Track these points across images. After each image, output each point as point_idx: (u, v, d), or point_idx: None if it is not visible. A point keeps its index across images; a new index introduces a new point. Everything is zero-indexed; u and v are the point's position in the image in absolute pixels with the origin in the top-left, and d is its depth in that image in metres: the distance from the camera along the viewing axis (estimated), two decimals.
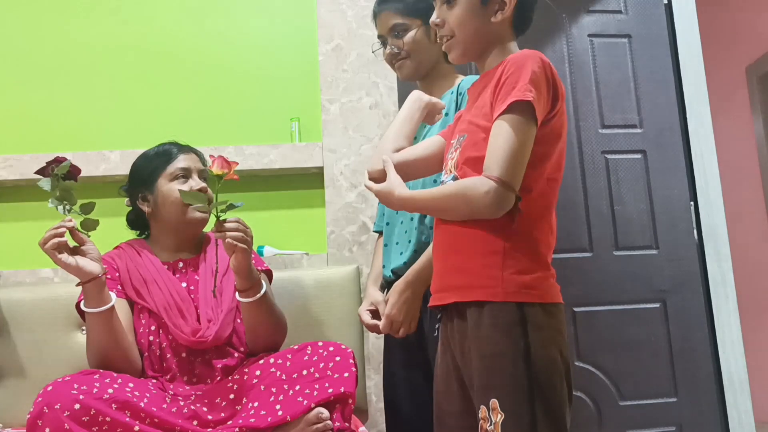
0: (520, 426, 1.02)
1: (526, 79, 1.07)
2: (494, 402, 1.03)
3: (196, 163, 1.68)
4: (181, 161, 1.65)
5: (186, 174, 1.64)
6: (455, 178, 1.15)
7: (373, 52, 1.68)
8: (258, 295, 1.52)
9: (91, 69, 2.14)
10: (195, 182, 1.64)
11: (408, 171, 1.28)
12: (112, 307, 1.45)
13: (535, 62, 1.10)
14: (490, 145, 1.08)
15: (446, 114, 1.53)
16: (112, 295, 1.47)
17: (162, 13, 2.20)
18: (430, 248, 1.42)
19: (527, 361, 1.03)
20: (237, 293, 1.53)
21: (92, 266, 1.41)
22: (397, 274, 1.56)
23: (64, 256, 1.38)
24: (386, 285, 1.65)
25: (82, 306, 1.45)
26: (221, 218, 1.42)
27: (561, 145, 1.14)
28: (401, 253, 1.56)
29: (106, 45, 2.16)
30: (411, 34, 1.58)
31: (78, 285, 1.43)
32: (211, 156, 1.40)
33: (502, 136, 1.06)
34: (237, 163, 1.40)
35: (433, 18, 1.26)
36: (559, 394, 1.05)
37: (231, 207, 1.39)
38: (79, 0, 2.17)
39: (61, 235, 1.37)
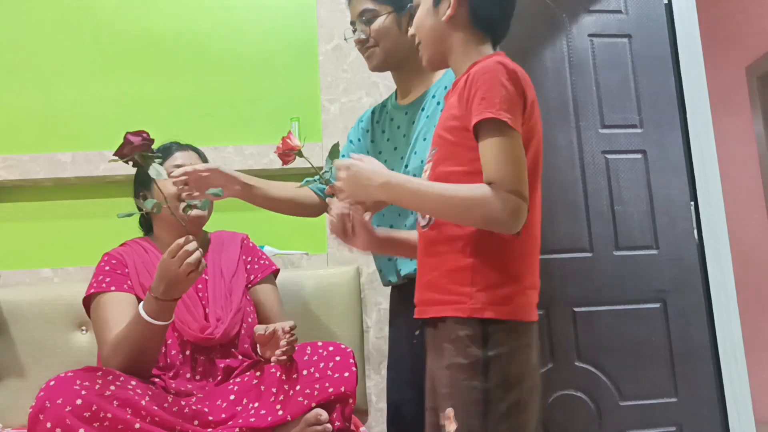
0: None
1: (498, 97, 1.05)
2: (450, 411, 1.05)
3: (194, 160, 1.68)
4: (177, 159, 1.65)
5: None
6: None
7: (345, 39, 1.63)
8: None
9: (91, 69, 2.14)
10: None
11: None
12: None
13: (502, 75, 1.07)
14: (488, 161, 1.06)
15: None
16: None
17: (162, 13, 2.20)
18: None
19: (485, 377, 1.04)
20: None
21: None
22: (410, 278, 1.53)
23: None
24: (391, 286, 1.65)
25: (144, 316, 1.39)
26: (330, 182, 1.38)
27: (533, 154, 1.11)
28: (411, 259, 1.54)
29: (107, 45, 2.16)
30: (379, 20, 1.53)
31: (161, 300, 1.37)
32: (283, 140, 1.38)
33: (497, 151, 1.05)
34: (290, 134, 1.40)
35: (410, 31, 1.27)
36: (513, 411, 1.05)
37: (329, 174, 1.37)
38: (78, 1, 2.18)
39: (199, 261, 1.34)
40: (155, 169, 1.30)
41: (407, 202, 1.14)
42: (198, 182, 1.46)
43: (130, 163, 1.30)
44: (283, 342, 1.41)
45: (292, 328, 1.44)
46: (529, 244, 1.11)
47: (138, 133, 1.27)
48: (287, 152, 1.38)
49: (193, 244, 1.33)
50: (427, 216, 1.15)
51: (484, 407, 1.03)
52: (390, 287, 1.69)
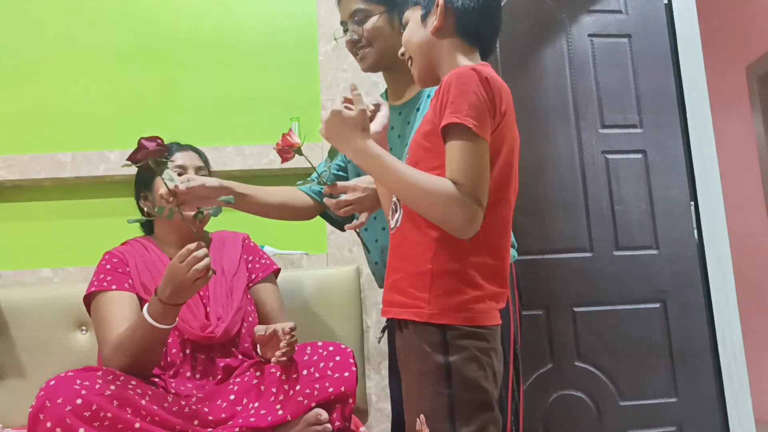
0: None
1: (466, 103, 1.05)
2: (423, 417, 1.07)
3: (194, 161, 1.67)
4: (177, 159, 1.65)
5: (182, 172, 1.64)
6: None
7: (335, 39, 1.61)
8: None
9: (91, 69, 2.14)
10: None
11: None
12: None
13: (473, 81, 1.07)
14: (452, 165, 1.06)
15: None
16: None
17: (162, 13, 2.20)
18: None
19: (448, 381, 1.05)
20: None
21: None
22: None
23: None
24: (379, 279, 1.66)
25: (148, 319, 1.38)
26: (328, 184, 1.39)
27: (502, 163, 1.10)
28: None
29: (107, 45, 2.16)
30: (372, 20, 1.51)
31: (166, 303, 1.36)
32: (283, 137, 1.38)
33: (460, 155, 1.05)
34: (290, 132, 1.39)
35: (400, 50, 1.26)
36: (479, 413, 1.06)
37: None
38: (79, 0, 2.18)
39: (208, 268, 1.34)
40: (168, 175, 1.31)
41: (377, 176, 1.15)
42: (186, 197, 1.40)
43: (143, 168, 1.32)
44: (283, 343, 1.41)
45: (292, 329, 1.44)
46: (491, 254, 1.10)
47: (152, 139, 1.28)
48: (286, 149, 1.38)
49: (203, 251, 1.33)
50: (395, 218, 1.16)
51: (451, 412, 1.05)
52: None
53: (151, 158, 1.29)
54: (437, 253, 1.08)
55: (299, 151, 1.38)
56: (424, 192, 1.07)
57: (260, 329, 1.52)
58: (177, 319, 1.42)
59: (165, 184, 1.34)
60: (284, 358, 1.41)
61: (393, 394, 1.66)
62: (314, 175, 1.41)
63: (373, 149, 1.12)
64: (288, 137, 1.37)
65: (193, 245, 1.33)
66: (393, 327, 1.17)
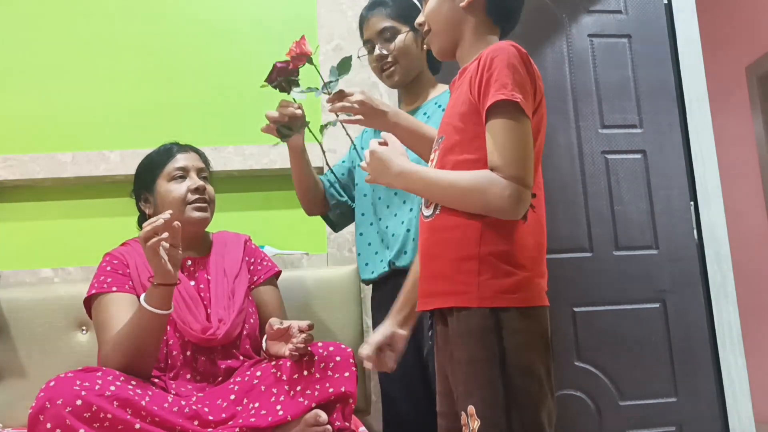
0: None
1: (510, 79, 1.05)
2: (471, 408, 1.03)
3: (196, 162, 1.68)
4: (179, 161, 1.65)
5: (184, 173, 1.64)
6: None
7: (359, 57, 1.65)
8: None
9: (91, 69, 2.14)
10: (192, 181, 1.64)
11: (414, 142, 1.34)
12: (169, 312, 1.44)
13: (514, 57, 1.07)
14: (493, 145, 1.05)
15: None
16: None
17: (162, 13, 2.19)
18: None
19: (502, 368, 1.02)
20: None
21: (176, 271, 1.40)
22: (400, 271, 1.54)
23: (162, 254, 1.35)
24: (370, 282, 1.69)
25: (143, 304, 1.39)
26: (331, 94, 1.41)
27: (539, 143, 1.11)
28: (405, 253, 1.56)
29: (107, 45, 2.16)
30: (401, 37, 1.58)
31: (156, 285, 1.39)
32: (296, 43, 1.40)
33: (503, 135, 1.04)
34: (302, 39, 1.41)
35: (418, 19, 1.26)
36: (535, 401, 1.04)
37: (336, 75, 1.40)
38: (78, 1, 2.17)
39: (160, 232, 1.34)
40: (299, 93, 1.43)
41: (419, 191, 1.17)
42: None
43: (278, 89, 1.45)
44: (300, 337, 1.42)
45: (310, 327, 1.45)
46: (535, 232, 1.09)
47: (285, 62, 1.40)
48: (300, 56, 1.38)
49: (153, 220, 1.34)
50: (431, 206, 1.15)
51: (507, 400, 1.01)
52: (370, 285, 1.72)
53: (282, 77, 1.39)
54: (483, 235, 1.06)
55: (310, 60, 1.39)
56: (462, 190, 1.07)
57: (275, 322, 1.51)
58: (172, 305, 1.42)
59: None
60: (296, 353, 1.42)
61: (383, 389, 1.69)
62: (320, 89, 1.42)
63: (409, 167, 1.14)
64: (302, 44, 1.38)
65: (154, 218, 1.35)
66: (422, 320, 1.15)
